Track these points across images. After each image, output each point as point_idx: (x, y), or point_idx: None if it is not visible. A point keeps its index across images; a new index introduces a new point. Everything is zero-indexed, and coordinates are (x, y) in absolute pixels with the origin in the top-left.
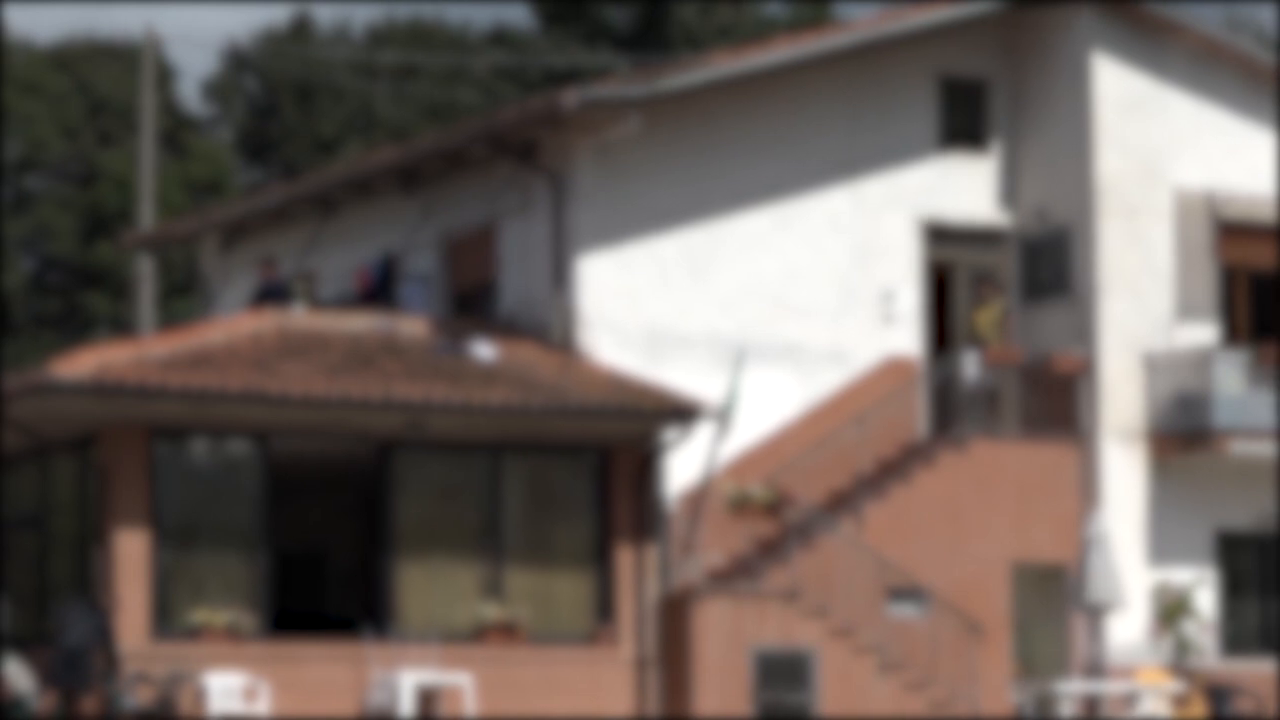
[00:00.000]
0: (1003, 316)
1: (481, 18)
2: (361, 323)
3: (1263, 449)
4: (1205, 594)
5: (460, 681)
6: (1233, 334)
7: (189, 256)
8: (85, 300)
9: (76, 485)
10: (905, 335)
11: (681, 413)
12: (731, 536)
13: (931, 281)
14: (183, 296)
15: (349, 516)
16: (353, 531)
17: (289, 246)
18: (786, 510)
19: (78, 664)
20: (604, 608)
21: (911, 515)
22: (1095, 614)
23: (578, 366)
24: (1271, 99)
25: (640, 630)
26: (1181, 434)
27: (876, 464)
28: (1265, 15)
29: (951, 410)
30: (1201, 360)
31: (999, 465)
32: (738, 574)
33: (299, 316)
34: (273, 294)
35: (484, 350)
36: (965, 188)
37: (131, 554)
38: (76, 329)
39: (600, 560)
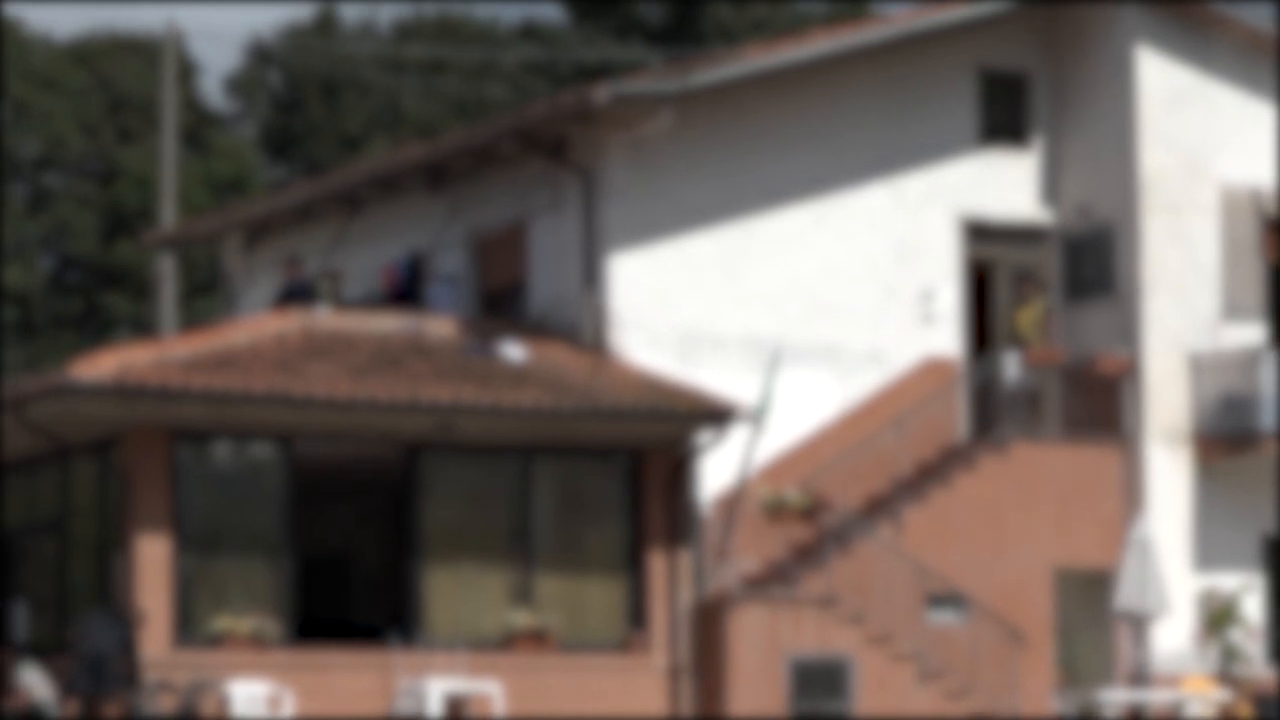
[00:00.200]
0: (1044, 316)
1: (511, 11)
2: (388, 323)
3: None
4: (1252, 600)
5: (489, 690)
6: None
7: (211, 256)
8: (106, 300)
9: (97, 489)
10: (945, 335)
11: (716, 415)
12: (767, 542)
13: (972, 280)
14: (205, 296)
15: (375, 521)
16: (379, 536)
17: (314, 245)
18: (823, 515)
19: (100, 672)
20: (636, 614)
21: (951, 520)
22: (1139, 621)
23: (609, 367)
24: None
25: (673, 638)
26: (1228, 436)
27: (915, 467)
28: None
29: (992, 412)
30: (1248, 360)
31: (1041, 468)
32: (773, 580)
33: (324, 317)
34: (297, 294)
35: (514, 351)
36: (1006, 184)
37: (153, 559)
38: (97, 330)
39: (632, 566)
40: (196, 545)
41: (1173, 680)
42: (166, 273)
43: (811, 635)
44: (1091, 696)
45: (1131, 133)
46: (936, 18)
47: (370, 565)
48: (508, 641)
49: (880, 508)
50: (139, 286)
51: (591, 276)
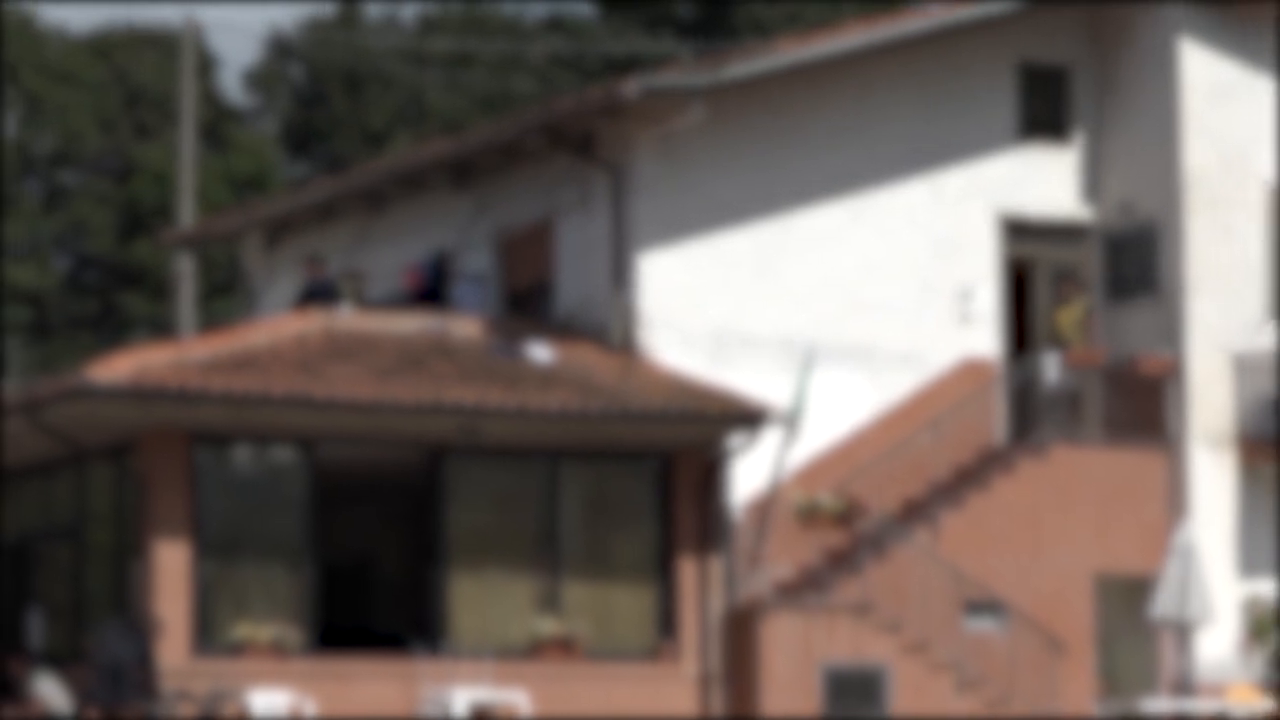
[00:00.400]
0: (1085, 316)
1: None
2: (412, 324)
3: None
4: None
5: (515, 700)
6: None
7: (231, 255)
8: (123, 301)
9: (114, 494)
10: (983, 335)
11: (748, 417)
12: (800, 547)
13: (1011, 279)
14: (225, 296)
15: (399, 526)
16: (403, 542)
17: (336, 244)
18: (858, 520)
19: (118, 682)
20: (666, 622)
21: (989, 525)
22: (1182, 629)
23: (639, 369)
24: None
25: (704, 646)
26: (1273, 439)
27: (953, 471)
28: None
29: (1031, 415)
30: None
31: (1081, 472)
32: (807, 587)
33: (346, 317)
34: (319, 294)
35: (540, 352)
36: (1046, 180)
37: (171, 566)
38: (114, 331)
39: (662, 572)
40: (216, 551)
41: (1217, 689)
42: (185, 272)
43: (846, 644)
44: (1133, 706)
45: (1175, 128)
46: (975, 10)
47: (393, 572)
48: (534, 650)
49: (916, 512)
50: (157, 286)
51: (620, 275)
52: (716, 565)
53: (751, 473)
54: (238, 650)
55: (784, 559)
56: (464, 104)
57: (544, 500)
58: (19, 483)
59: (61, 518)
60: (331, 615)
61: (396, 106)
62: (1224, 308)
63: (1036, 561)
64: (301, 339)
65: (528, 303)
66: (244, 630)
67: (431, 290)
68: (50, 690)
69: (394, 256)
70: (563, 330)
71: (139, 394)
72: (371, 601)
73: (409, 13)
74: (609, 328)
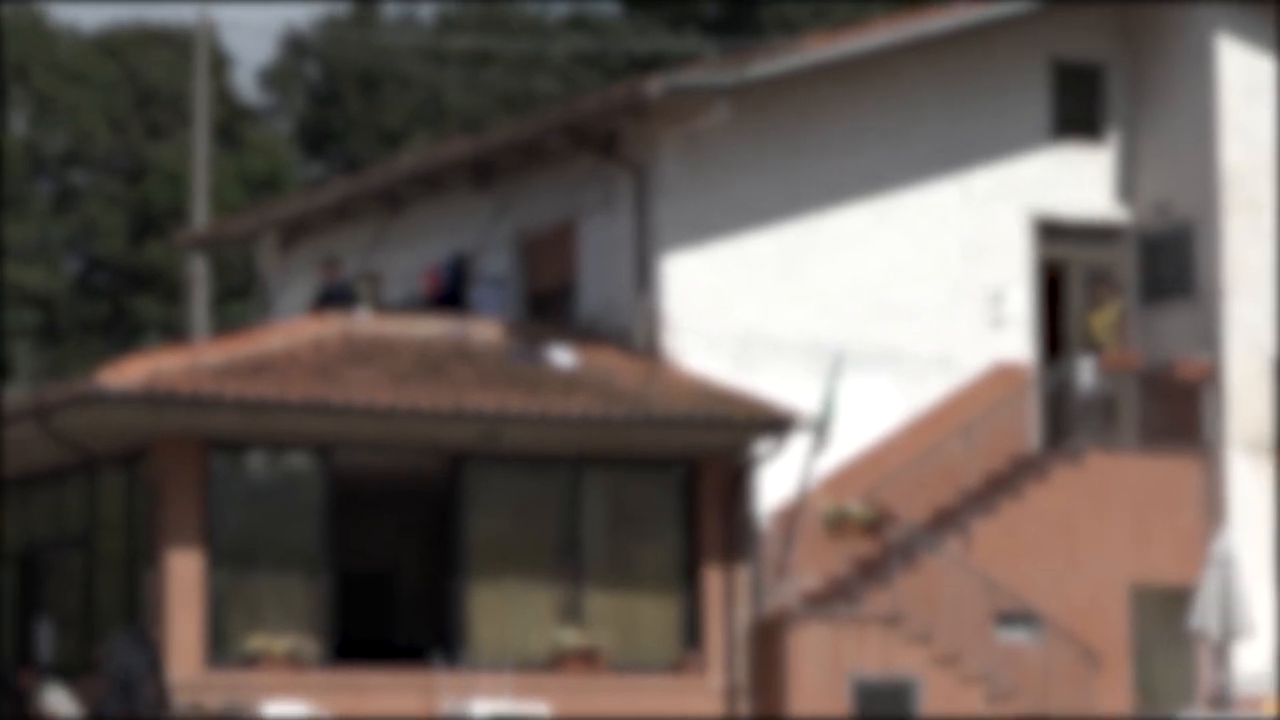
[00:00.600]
0: (1120, 319)
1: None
2: (431, 327)
3: None
4: None
5: (537, 713)
6: None
7: (245, 257)
8: (135, 304)
9: (126, 502)
10: (1015, 339)
11: (774, 423)
12: (828, 557)
13: (1044, 281)
14: (239, 300)
15: (417, 535)
16: (422, 551)
17: (353, 246)
18: (887, 528)
19: (129, 694)
20: (691, 633)
21: (1022, 533)
22: (1220, 640)
23: (663, 374)
24: None
25: (730, 658)
26: None
27: (984, 478)
28: None
29: (1065, 420)
30: None
31: (1117, 480)
32: (835, 597)
33: (364, 321)
34: (335, 297)
35: (562, 356)
36: (1080, 180)
37: (184, 576)
38: (125, 335)
39: (687, 582)
40: (230, 561)
41: (1255, 703)
42: (198, 275)
43: (876, 655)
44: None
45: (1211, 126)
46: (1007, 7)
47: (412, 582)
48: (556, 662)
49: (947, 521)
50: (169, 289)
51: (644, 278)
52: (743, 575)
53: (778, 480)
54: (252, 662)
55: (812, 569)
56: (484, 103)
57: (566, 508)
58: (28, 490)
59: (72, 526)
60: (348, 626)
61: (414, 106)
62: (1262, 310)
63: (1071, 571)
64: (318, 343)
65: (549, 306)
66: (259, 642)
67: (451, 293)
68: (60, 702)
69: (412, 259)
70: (585, 334)
71: (151, 399)
72: (389, 612)
73: (427, 10)
74: (632, 331)
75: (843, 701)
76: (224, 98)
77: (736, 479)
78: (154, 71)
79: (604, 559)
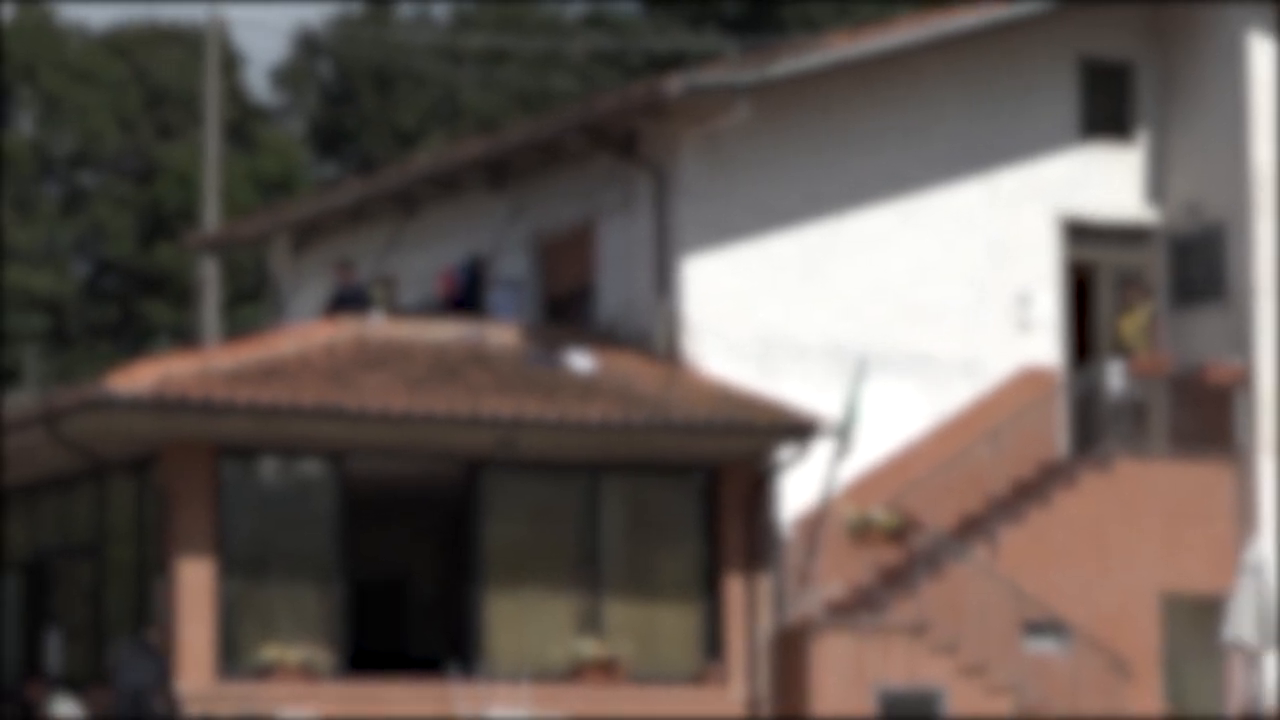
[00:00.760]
0: (1150, 322)
1: None
2: (446, 331)
3: None
4: None
5: None
6: None
7: (257, 259)
8: (144, 308)
9: (135, 510)
10: (1043, 343)
11: (797, 429)
12: (852, 565)
13: (1072, 284)
14: (251, 303)
15: (433, 543)
16: (437, 560)
17: (367, 248)
18: (913, 536)
19: (139, 706)
20: (712, 643)
21: (1050, 541)
22: (1253, 651)
23: (683, 378)
24: None
25: (752, 668)
26: None
27: (1011, 485)
28: None
29: (1094, 426)
30: None
31: (1147, 486)
32: (859, 606)
33: (378, 325)
34: (349, 300)
35: (581, 361)
36: (1109, 181)
37: (195, 585)
38: (135, 339)
39: (708, 591)
40: (242, 570)
41: None
42: (209, 278)
43: (900, 665)
44: None
45: (1243, 125)
46: (1033, 5)
47: (427, 591)
48: (575, 672)
49: (974, 528)
50: (180, 292)
51: (664, 281)
52: (765, 584)
53: (801, 487)
54: (265, 673)
55: (835, 577)
56: (500, 102)
57: (584, 516)
58: (36, 498)
59: (80, 534)
60: (363, 636)
61: (429, 105)
62: None
63: (1100, 580)
64: (331, 347)
65: (567, 309)
66: (271, 652)
67: (466, 296)
68: (69, 715)
69: (427, 261)
70: (604, 338)
71: (161, 405)
72: (404, 622)
73: (442, 8)
74: (652, 335)
75: (867, 712)
76: (235, 97)
77: (758, 486)
78: (164, 70)
79: (623, 567)
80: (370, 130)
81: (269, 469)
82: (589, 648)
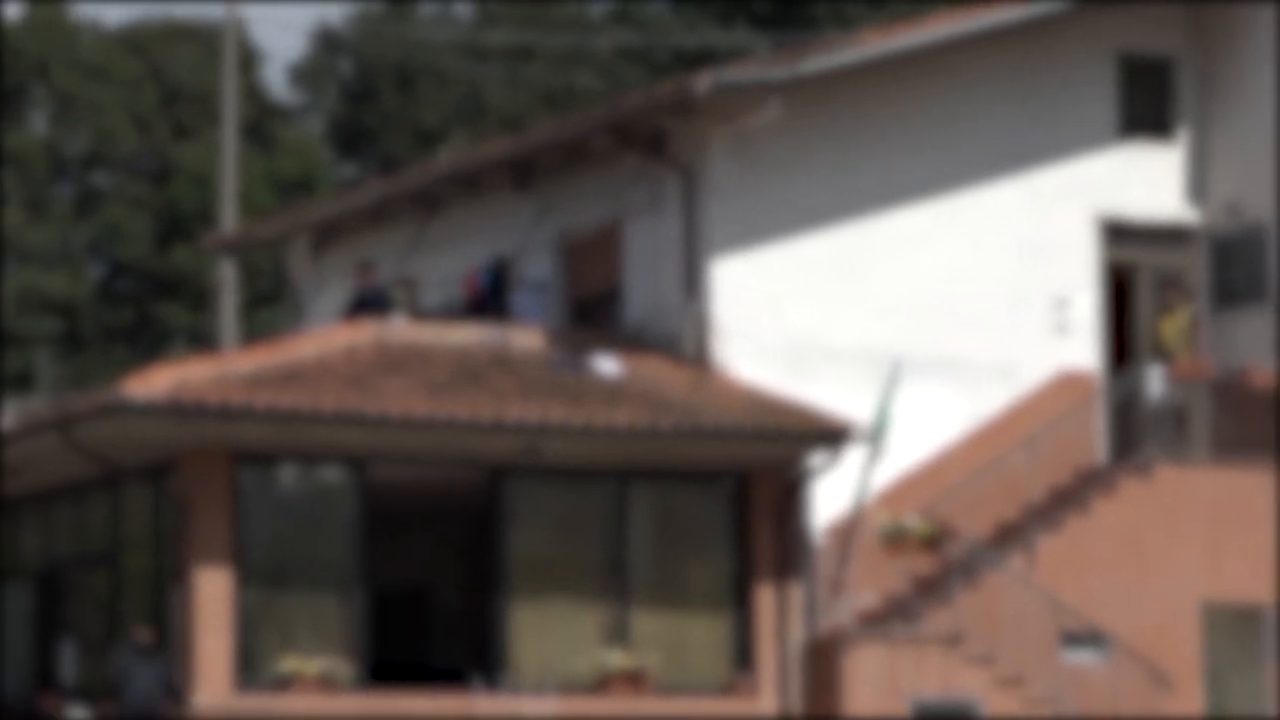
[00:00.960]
0: (1191, 325)
1: None
2: (469, 335)
3: None
4: None
5: None
6: None
7: (276, 261)
8: (160, 311)
9: (151, 517)
10: (1081, 347)
11: (829, 434)
12: (886, 574)
13: (1111, 286)
14: (269, 306)
15: (456, 552)
16: (460, 569)
17: (388, 250)
18: (948, 544)
19: (150, 717)
20: (742, 654)
21: (1089, 550)
22: None
23: (712, 383)
24: None
25: (783, 679)
26: None
27: (1049, 492)
28: None
29: (1134, 431)
30: None
31: (1188, 493)
32: (893, 616)
33: (399, 328)
34: (370, 303)
35: (607, 365)
36: (1149, 180)
37: (213, 594)
38: (150, 343)
39: (738, 601)
40: (261, 579)
41: None
42: (227, 280)
43: (935, 677)
44: None
45: None
46: (1071, 0)
47: (450, 600)
48: (602, 684)
49: (1011, 536)
50: (196, 295)
51: (693, 283)
52: (796, 593)
53: (833, 494)
54: (284, 684)
55: (868, 586)
56: (524, 101)
57: (611, 524)
58: (49, 505)
59: (95, 543)
60: (384, 647)
61: (452, 103)
62: None
63: (1140, 589)
64: (351, 351)
65: (593, 312)
66: (290, 663)
67: (490, 299)
68: None
69: (450, 263)
70: (631, 341)
71: (178, 411)
72: (426, 632)
73: (464, 4)
74: (680, 339)
75: None
76: (253, 95)
77: (789, 492)
78: (180, 68)
79: (651, 576)
80: (391, 129)
81: (288, 476)
82: (616, 658)
